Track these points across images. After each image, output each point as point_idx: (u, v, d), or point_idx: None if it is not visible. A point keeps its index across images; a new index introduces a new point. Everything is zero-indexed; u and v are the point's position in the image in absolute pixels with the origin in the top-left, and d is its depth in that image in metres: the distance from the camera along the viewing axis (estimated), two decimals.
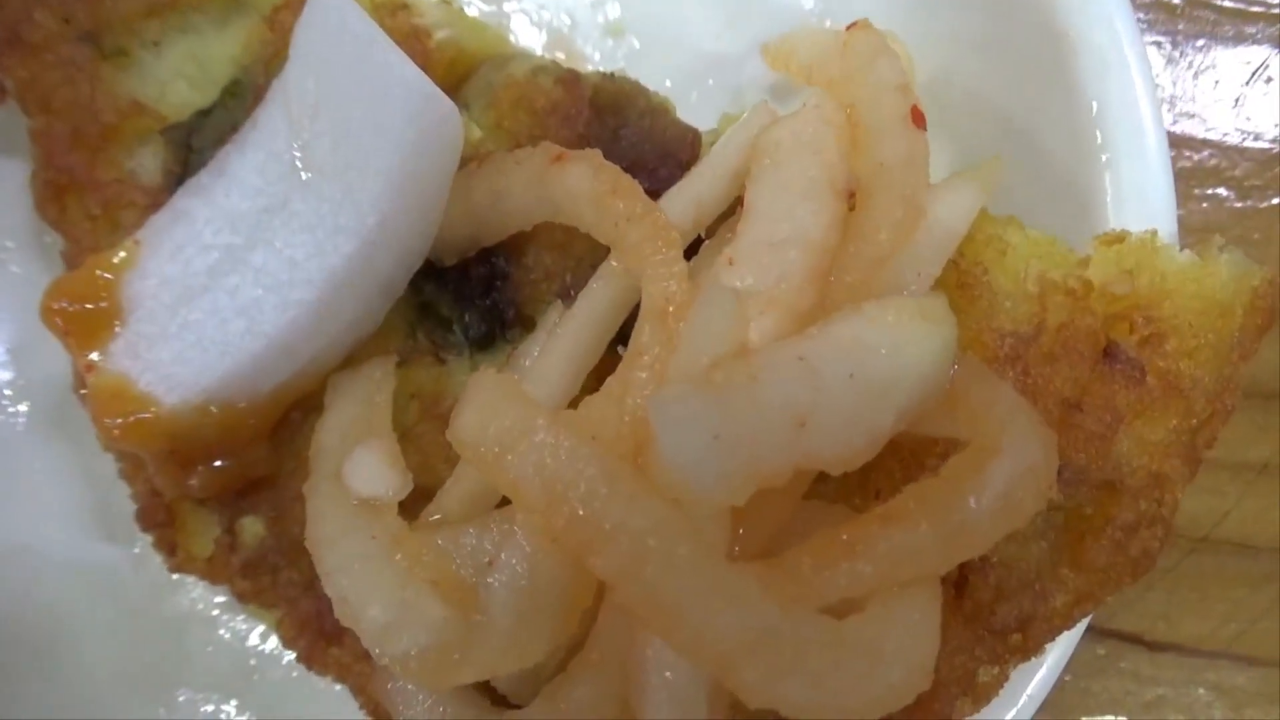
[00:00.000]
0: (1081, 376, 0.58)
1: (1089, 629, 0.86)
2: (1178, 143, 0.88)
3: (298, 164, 0.64)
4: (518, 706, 0.57)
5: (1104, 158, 0.64)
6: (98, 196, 0.74)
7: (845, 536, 0.47)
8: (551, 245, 0.70)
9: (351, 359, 0.70)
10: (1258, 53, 0.89)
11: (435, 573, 0.54)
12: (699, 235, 0.65)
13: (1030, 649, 0.57)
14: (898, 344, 0.49)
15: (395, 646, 0.51)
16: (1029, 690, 0.62)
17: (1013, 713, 0.62)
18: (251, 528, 0.70)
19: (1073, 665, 0.84)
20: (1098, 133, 0.66)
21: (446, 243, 0.69)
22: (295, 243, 0.66)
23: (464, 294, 0.70)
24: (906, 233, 0.54)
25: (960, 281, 0.61)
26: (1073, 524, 0.58)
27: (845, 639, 0.44)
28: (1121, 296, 0.58)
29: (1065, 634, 0.60)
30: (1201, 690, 0.81)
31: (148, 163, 0.74)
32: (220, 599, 0.78)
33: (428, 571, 0.54)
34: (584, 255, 0.68)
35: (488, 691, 0.59)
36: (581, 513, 0.46)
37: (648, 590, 0.44)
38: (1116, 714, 0.82)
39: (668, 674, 0.46)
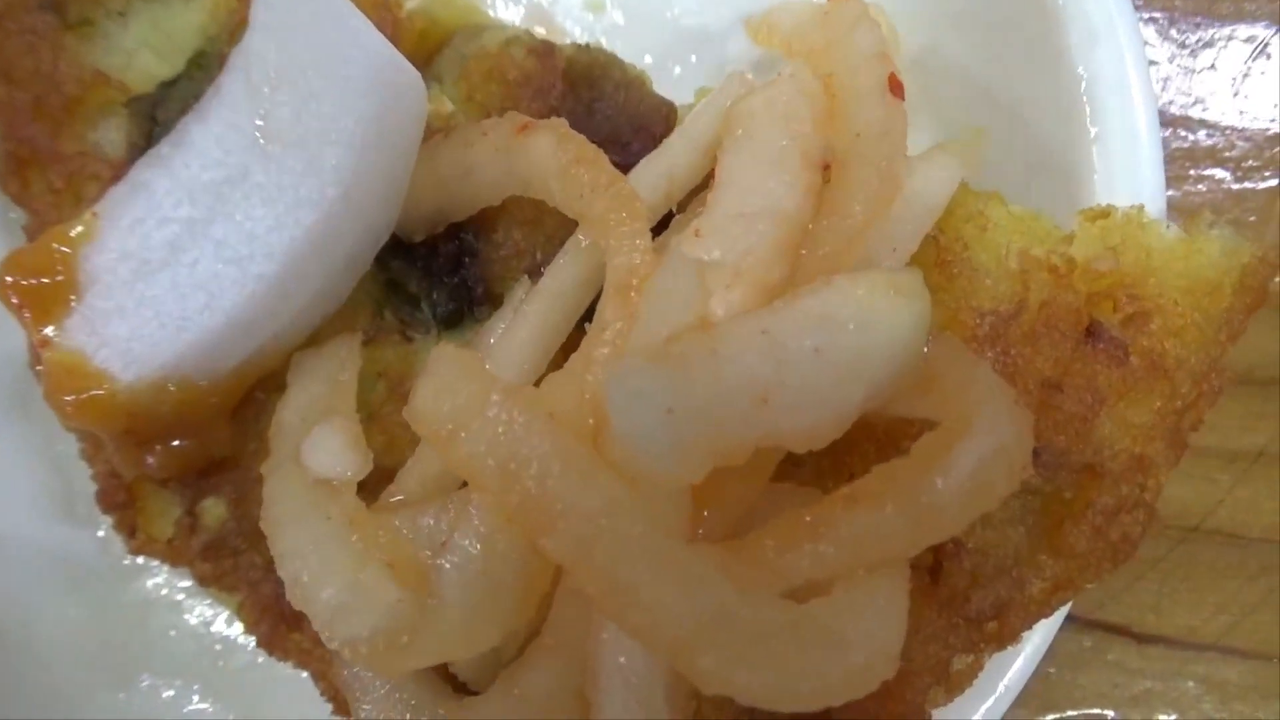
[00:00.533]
0: (1063, 356, 0.56)
1: (1075, 620, 0.84)
2: (1174, 123, 0.86)
3: (258, 134, 0.62)
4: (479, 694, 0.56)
5: (1093, 132, 0.62)
6: (60, 169, 0.72)
7: (809, 518, 0.46)
8: (522, 221, 0.68)
9: (316, 337, 0.68)
10: (1256, 31, 0.87)
11: (392, 555, 0.52)
12: (671, 210, 0.63)
13: (1007, 637, 0.55)
14: (867, 319, 0.47)
15: (346, 630, 0.50)
16: (1005, 680, 0.61)
17: (989, 703, 0.60)
18: (213, 510, 0.69)
19: (1058, 657, 0.83)
20: (1086, 106, 0.64)
21: (413, 218, 0.67)
22: (256, 215, 0.64)
23: (432, 271, 0.69)
24: (881, 205, 0.52)
25: (939, 259, 0.59)
26: (1051, 509, 0.56)
27: (806, 623, 0.42)
28: (1105, 274, 0.56)
29: (1044, 623, 0.59)
30: (1190, 684, 0.79)
31: (112, 135, 0.73)
32: (186, 584, 0.77)
33: (384, 553, 0.52)
34: (554, 232, 0.66)
35: (449, 679, 0.57)
36: (533, 491, 0.45)
37: (599, 572, 0.42)
38: (1103, 708, 0.80)
39: (622, 659, 0.45)
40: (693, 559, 0.42)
